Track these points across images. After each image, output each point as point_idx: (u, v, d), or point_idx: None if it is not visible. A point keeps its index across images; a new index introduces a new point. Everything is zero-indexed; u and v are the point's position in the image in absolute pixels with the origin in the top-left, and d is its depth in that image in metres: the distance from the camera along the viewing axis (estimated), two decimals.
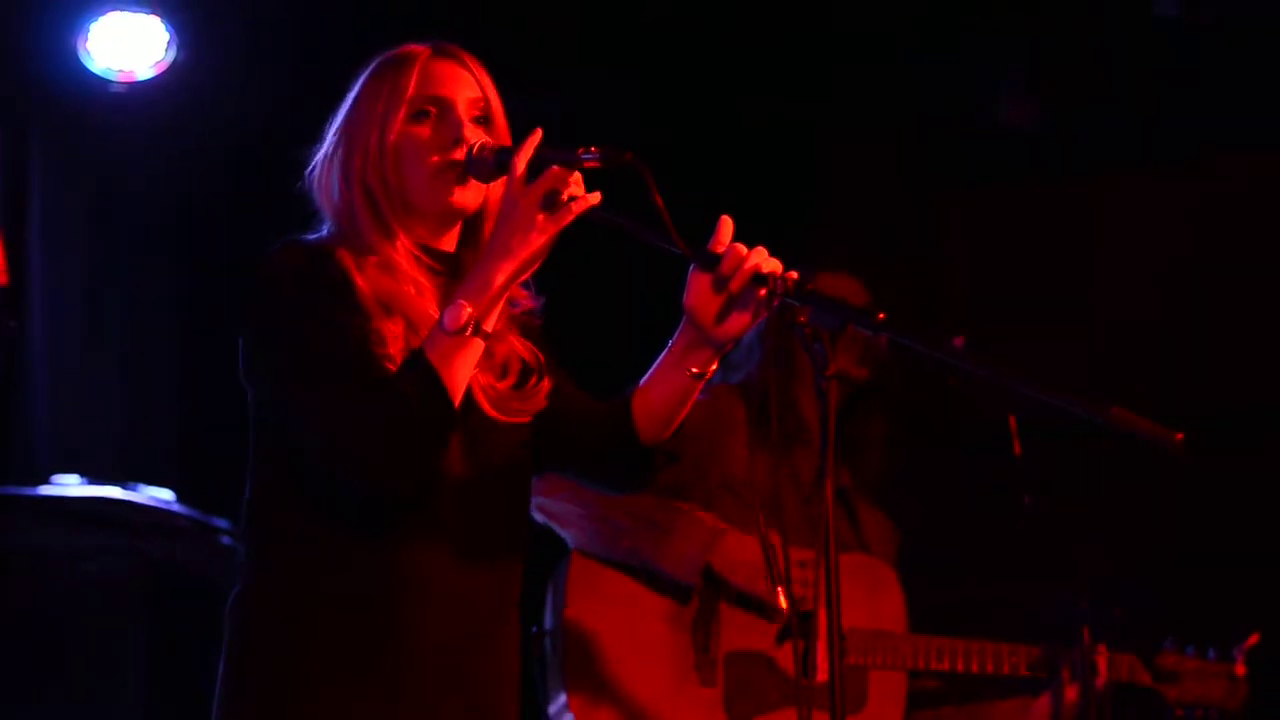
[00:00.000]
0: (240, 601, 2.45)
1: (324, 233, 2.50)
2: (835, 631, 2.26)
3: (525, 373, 2.53)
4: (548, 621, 3.51)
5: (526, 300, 2.56)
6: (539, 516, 3.49)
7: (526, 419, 2.51)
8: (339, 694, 2.37)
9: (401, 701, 2.38)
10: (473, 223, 2.52)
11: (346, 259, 2.41)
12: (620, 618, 3.47)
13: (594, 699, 3.42)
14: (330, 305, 2.36)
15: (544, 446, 2.56)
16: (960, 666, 3.60)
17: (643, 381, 2.55)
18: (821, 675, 3.55)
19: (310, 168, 2.54)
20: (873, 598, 3.63)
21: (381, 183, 2.46)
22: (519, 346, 2.55)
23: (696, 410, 2.60)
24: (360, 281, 2.39)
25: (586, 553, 3.50)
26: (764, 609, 3.50)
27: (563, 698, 3.43)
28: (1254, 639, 3.69)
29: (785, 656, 3.49)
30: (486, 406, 2.45)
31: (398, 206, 2.46)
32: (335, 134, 2.51)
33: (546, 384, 2.54)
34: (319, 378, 2.34)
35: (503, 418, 2.47)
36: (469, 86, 2.50)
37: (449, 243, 2.53)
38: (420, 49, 2.52)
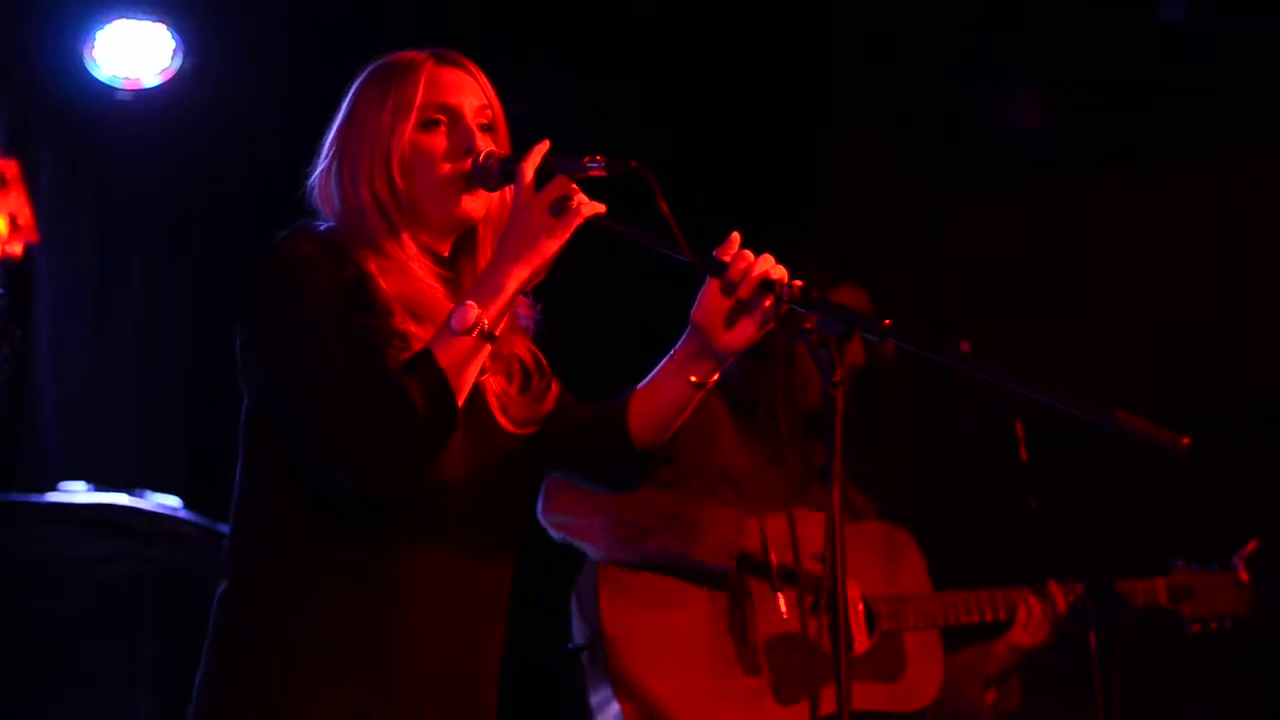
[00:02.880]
0: (227, 598, 2.43)
1: (333, 225, 2.49)
2: (840, 633, 2.25)
3: (526, 375, 2.54)
4: (579, 635, 3.56)
5: (525, 308, 2.57)
6: (557, 535, 3.52)
7: (534, 428, 2.51)
8: (324, 691, 2.36)
9: (387, 701, 2.38)
10: (471, 229, 2.53)
11: (368, 259, 2.41)
12: (656, 622, 3.51)
13: (646, 705, 3.46)
14: (342, 297, 2.36)
15: (538, 449, 2.55)
16: (989, 616, 3.66)
17: (641, 386, 2.55)
18: (859, 647, 3.59)
19: (311, 179, 2.53)
20: (892, 563, 3.67)
21: (390, 191, 2.45)
22: (521, 349, 2.56)
23: None
24: (384, 284, 2.40)
25: (612, 561, 3.53)
26: (802, 580, 3.52)
27: (614, 707, 3.47)
28: (1252, 545, 3.82)
29: (822, 635, 3.51)
30: (499, 413, 2.46)
31: (408, 213, 2.47)
32: (335, 142, 2.51)
33: (555, 388, 2.56)
34: (325, 369, 2.32)
35: (513, 428, 2.48)
36: (475, 94, 2.51)
37: (446, 247, 2.53)
38: (421, 55, 2.52)
